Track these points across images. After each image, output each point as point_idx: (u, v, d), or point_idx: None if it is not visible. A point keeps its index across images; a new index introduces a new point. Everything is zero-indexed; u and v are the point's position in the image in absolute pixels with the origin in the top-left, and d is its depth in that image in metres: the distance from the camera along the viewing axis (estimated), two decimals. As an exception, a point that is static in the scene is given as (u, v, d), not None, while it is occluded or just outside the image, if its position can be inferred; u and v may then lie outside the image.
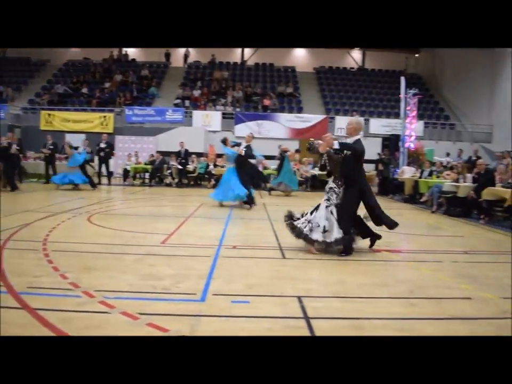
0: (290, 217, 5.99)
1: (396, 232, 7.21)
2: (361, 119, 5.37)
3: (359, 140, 5.63)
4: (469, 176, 10.74)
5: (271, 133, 22.08)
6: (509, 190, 8.83)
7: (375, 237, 6.06)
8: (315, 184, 17.46)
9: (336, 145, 5.46)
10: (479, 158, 14.51)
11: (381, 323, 3.30)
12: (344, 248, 5.66)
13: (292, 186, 14.40)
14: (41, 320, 3.11)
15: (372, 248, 6.09)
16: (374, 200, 5.82)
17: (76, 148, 15.19)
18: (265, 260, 5.25)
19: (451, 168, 13.29)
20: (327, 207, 5.74)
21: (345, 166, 5.65)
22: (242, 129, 22.10)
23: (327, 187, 5.88)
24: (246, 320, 3.27)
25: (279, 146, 16.43)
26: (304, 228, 5.72)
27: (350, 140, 5.67)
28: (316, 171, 17.59)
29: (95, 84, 25.59)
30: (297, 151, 17.11)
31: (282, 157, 14.54)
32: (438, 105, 26.25)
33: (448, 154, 17.92)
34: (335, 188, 5.79)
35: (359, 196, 5.67)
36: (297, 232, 5.73)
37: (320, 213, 5.72)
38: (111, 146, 17.14)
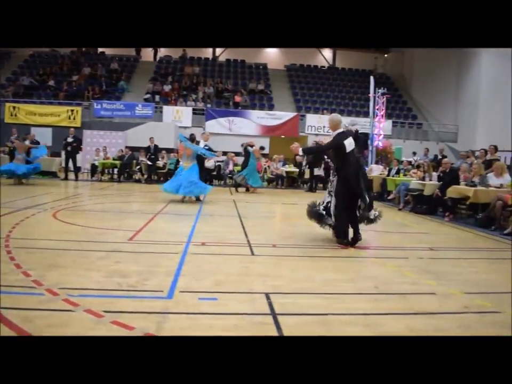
0: (313, 206, 6.47)
1: (364, 229, 7.30)
2: (335, 115, 5.96)
3: (338, 133, 6.12)
4: (435, 174, 10.99)
5: (242, 130, 22.08)
6: (472, 188, 9.08)
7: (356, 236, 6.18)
8: (286, 182, 17.53)
9: (300, 152, 6.27)
10: (444, 157, 14.91)
11: (347, 319, 3.34)
12: (336, 234, 6.13)
13: (252, 183, 14.18)
14: (1, 319, 3.01)
15: (339, 244, 6.16)
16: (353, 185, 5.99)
17: (37, 143, 14.88)
18: (234, 257, 5.24)
19: (418, 167, 13.56)
20: (330, 195, 6.35)
21: (333, 159, 6.34)
22: (213, 126, 22.04)
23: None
24: (213, 317, 3.25)
25: (242, 144, 16.20)
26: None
27: (333, 135, 6.19)
28: (287, 168, 17.68)
29: (62, 77, 24.98)
30: (261, 148, 16.80)
31: (248, 153, 14.28)
32: (406, 105, 26.77)
33: (415, 154, 18.31)
34: (331, 178, 6.41)
35: (344, 183, 6.06)
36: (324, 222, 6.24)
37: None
38: (78, 140, 16.78)
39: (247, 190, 14.27)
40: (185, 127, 21.45)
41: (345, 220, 6.11)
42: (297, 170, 17.47)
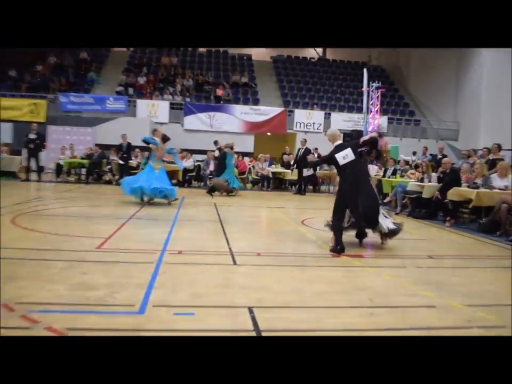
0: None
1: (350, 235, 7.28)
2: (331, 129, 6.76)
3: (335, 146, 6.57)
4: (434, 175, 11.06)
5: (224, 126, 22.07)
6: (475, 190, 9.14)
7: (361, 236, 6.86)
8: (272, 183, 17.52)
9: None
10: (444, 156, 15.01)
11: (340, 335, 3.30)
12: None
13: (236, 185, 14.17)
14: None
15: (331, 252, 6.17)
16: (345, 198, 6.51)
17: None
18: (214, 267, 5.20)
19: (416, 167, 13.66)
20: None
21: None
22: (193, 122, 21.98)
23: None
24: (190, 335, 3.19)
25: (215, 143, 15.90)
26: None
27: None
28: (273, 168, 17.66)
29: (25, 67, 24.64)
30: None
31: (224, 154, 14.07)
32: (403, 100, 27.02)
33: (415, 153, 18.41)
34: None
35: (339, 195, 6.67)
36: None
37: None
38: (42, 137, 16.57)
39: (228, 193, 14.14)
40: (161, 123, 21.35)
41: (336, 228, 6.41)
42: (286, 170, 17.47)
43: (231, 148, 14.08)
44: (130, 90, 23.71)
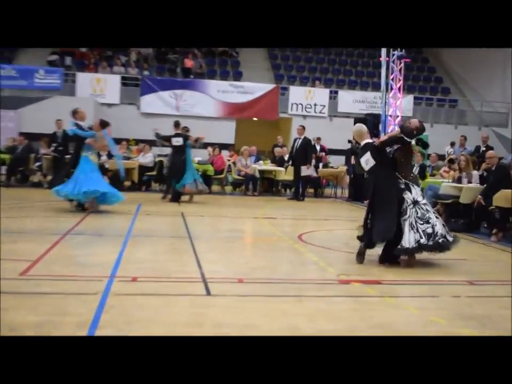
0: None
1: (371, 254, 7.32)
2: (358, 126, 7.83)
3: (364, 144, 7.34)
4: (476, 173, 11.10)
5: (196, 109, 22.09)
6: None
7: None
8: (260, 185, 17.51)
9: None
10: (489, 148, 15.05)
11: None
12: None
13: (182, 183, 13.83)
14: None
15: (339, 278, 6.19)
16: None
17: None
18: (181, 299, 5.19)
19: (450, 162, 13.72)
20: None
21: None
22: (153, 103, 21.90)
23: None
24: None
25: (153, 130, 14.88)
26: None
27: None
28: (261, 166, 17.62)
29: None
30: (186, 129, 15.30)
31: (184, 145, 13.77)
32: (434, 74, 27.29)
33: (452, 144, 18.41)
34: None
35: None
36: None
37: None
38: None
39: (191, 197, 13.96)
40: (110, 104, 21.29)
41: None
42: (278, 168, 17.46)
43: (187, 132, 14.02)
44: (68, 60, 23.60)
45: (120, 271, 6.07)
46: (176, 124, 14.23)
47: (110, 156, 16.38)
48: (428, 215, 7.03)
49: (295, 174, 16.20)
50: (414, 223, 6.93)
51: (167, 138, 13.92)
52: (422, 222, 6.97)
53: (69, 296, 5.04)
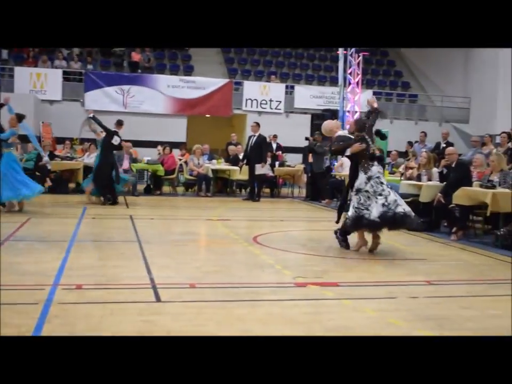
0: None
1: (329, 255, 7.38)
2: (326, 123, 8.98)
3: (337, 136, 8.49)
4: (435, 171, 11.23)
5: (144, 106, 21.96)
6: (491, 190, 9.25)
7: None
8: (214, 186, 17.47)
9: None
10: (449, 144, 15.30)
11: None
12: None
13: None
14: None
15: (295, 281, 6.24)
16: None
17: None
18: (129, 306, 5.16)
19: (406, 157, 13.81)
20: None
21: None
22: (98, 99, 21.64)
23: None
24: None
25: (89, 113, 14.79)
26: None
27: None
28: (215, 165, 17.57)
29: None
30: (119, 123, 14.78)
31: (111, 143, 13.45)
32: (394, 68, 27.64)
33: (411, 144, 18.24)
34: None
35: None
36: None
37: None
38: None
39: (114, 200, 13.57)
40: (51, 101, 20.99)
41: None
42: (232, 168, 17.43)
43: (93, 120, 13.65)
44: (4, 54, 23.15)
45: (64, 279, 5.99)
46: (120, 123, 14.10)
47: (52, 156, 16.22)
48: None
49: (250, 173, 16.21)
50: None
51: (109, 131, 13.47)
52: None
53: (8, 306, 4.90)
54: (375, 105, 8.44)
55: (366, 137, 8.09)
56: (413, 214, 8.02)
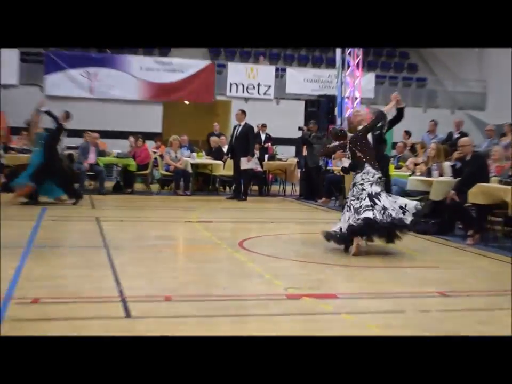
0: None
1: (327, 263, 7.32)
2: (358, 110, 10.05)
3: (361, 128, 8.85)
4: (447, 165, 11.22)
5: (114, 91, 21.97)
6: (511, 187, 9.25)
7: None
8: (193, 183, 17.44)
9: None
10: (464, 134, 15.27)
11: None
12: None
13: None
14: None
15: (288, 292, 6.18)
16: None
17: None
18: (94, 323, 5.08)
19: (412, 150, 13.82)
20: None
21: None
22: (60, 83, 21.65)
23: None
24: None
25: (40, 102, 14.55)
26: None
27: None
28: (195, 159, 17.51)
29: None
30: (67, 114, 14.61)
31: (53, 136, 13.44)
32: (399, 49, 27.62)
33: (409, 134, 18.14)
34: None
35: None
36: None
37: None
38: None
39: (77, 199, 13.44)
40: (6, 86, 20.90)
41: None
42: (215, 162, 17.38)
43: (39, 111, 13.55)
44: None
45: (18, 291, 5.89)
46: (68, 116, 13.85)
47: (6, 149, 16.10)
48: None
49: (235, 169, 16.17)
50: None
51: (60, 127, 13.41)
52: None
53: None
54: (402, 103, 9.23)
55: (351, 145, 8.64)
56: (407, 221, 8.32)
